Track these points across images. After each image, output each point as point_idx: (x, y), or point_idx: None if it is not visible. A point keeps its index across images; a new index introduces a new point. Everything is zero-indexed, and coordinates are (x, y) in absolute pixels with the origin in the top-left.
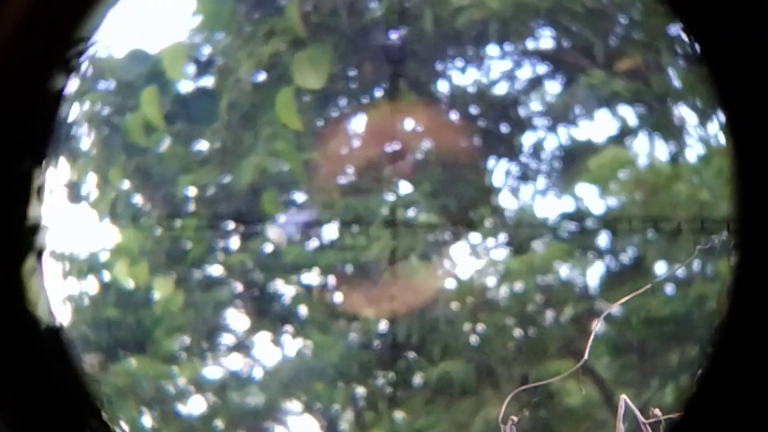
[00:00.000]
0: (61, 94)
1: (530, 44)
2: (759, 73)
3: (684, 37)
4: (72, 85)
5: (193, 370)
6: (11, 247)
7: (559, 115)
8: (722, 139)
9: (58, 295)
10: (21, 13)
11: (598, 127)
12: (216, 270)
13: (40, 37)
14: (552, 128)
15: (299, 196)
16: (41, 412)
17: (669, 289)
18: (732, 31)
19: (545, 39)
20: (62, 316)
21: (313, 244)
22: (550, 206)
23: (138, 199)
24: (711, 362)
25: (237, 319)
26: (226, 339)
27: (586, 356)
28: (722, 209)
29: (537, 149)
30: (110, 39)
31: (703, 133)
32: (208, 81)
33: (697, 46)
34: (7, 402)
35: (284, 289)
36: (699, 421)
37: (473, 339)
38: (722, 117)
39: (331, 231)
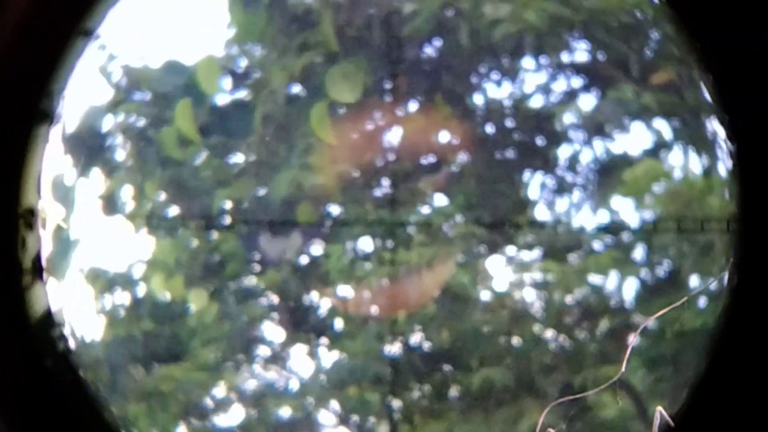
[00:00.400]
0: (61, 94)
1: (565, 57)
2: (759, 73)
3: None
4: (106, 95)
5: (228, 382)
6: (11, 250)
7: (594, 128)
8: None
9: (92, 306)
10: (21, 13)
11: (633, 140)
12: (252, 282)
13: (40, 37)
14: (587, 141)
15: (334, 209)
16: (41, 413)
17: (702, 301)
18: (732, 31)
19: (580, 52)
20: (69, 320)
21: (348, 256)
22: (586, 219)
23: (174, 211)
24: (711, 361)
25: (273, 331)
26: (262, 351)
27: (623, 369)
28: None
29: (572, 162)
30: (145, 49)
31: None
32: (243, 94)
33: (698, 47)
34: (7, 402)
35: (320, 302)
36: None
37: (509, 350)
38: (722, 117)
39: (365, 243)
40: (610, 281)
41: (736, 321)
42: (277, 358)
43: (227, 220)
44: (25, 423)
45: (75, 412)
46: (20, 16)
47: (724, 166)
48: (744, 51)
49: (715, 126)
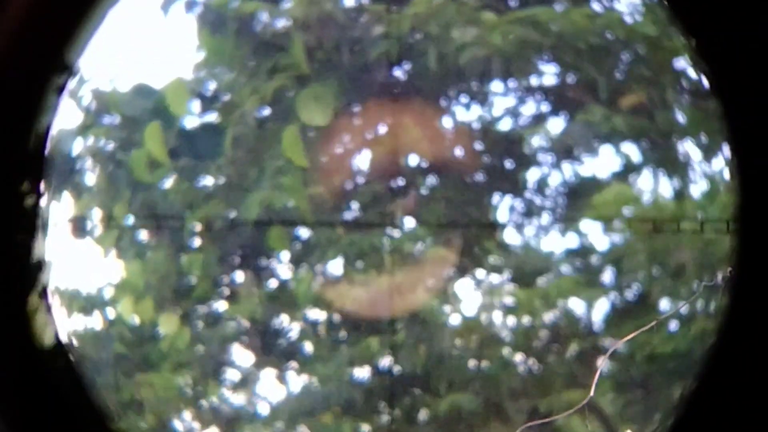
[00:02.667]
0: (60, 97)
1: (534, 81)
2: (758, 69)
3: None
4: (76, 118)
5: (197, 405)
6: (11, 257)
7: (563, 151)
8: (727, 174)
9: (63, 329)
10: (21, 14)
11: (602, 163)
12: (221, 305)
13: (40, 39)
14: (556, 164)
15: (304, 232)
16: (41, 413)
17: (672, 325)
18: (731, 30)
19: (549, 76)
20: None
21: (318, 279)
22: (555, 242)
23: (143, 235)
24: (710, 363)
25: (242, 354)
26: (232, 375)
27: (592, 393)
28: (726, 246)
29: (541, 185)
30: (114, 73)
31: (708, 170)
32: (213, 116)
33: (697, 47)
34: (7, 402)
35: (290, 325)
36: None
37: (478, 374)
38: (723, 118)
39: (335, 267)
40: (579, 304)
41: (731, 332)
42: (247, 382)
43: (197, 242)
44: (25, 423)
45: (75, 412)
46: (18, 22)
47: (697, 190)
48: (742, 46)
49: (687, 148)
